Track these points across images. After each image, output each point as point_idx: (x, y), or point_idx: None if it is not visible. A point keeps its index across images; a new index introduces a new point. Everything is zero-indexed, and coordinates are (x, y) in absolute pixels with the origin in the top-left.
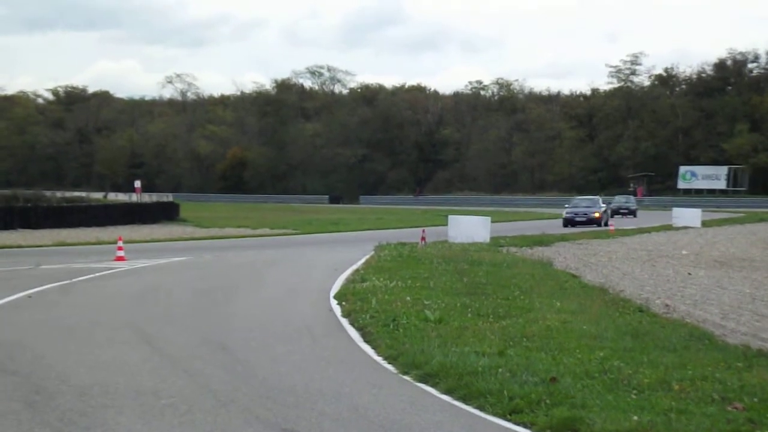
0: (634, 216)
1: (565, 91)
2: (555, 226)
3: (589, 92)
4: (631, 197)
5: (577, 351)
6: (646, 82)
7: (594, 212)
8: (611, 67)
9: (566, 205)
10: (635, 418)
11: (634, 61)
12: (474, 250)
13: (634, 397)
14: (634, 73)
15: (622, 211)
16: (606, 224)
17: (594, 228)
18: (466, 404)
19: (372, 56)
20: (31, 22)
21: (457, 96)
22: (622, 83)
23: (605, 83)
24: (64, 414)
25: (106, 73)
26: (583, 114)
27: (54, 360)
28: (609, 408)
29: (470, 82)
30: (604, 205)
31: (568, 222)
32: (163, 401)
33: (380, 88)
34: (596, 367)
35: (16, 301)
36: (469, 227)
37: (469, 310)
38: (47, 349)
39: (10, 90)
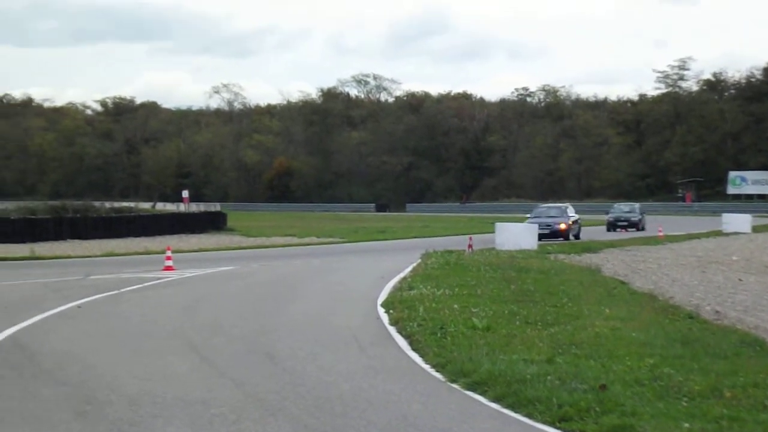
0: (638, 229)
1: (613, 97)
2: (591, 233)
3: (636, 98)
4: (636, 206)
5: (626, 358)
6: (694, 87)
7: (559, 223)
8: (659, 72)
9: (528, 216)
10: (686, 425)
11: (682, 66)
12: (521, 257)
13: (684, 404)
14: (682, 78)
15: (620, 223)
16: (576, 237)
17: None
18: (515, 412)
19: (418, 64)
20: (80, 35)
21: (503, 103)
22: (670, 88)
23: (653, 89)
24: (114, 424)
25: (154, 83)
26: (631, 120)
27: (104, 370)
28: (659, 416)
29: (516, 89)
30: (574, 214)
31: None
32: (211, 411)
33: (426, 96)
34: (646, 374)
35: (67, 311)
36: (517, 234)
37: (517, 317)
38: (97, 359)
39: (60, 102)
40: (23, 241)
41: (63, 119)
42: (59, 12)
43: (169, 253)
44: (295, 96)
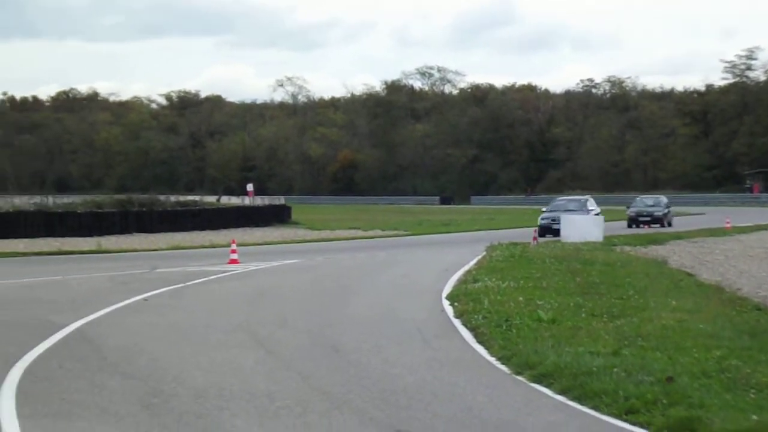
0: (662, 225)
1: (679, 88)
2: (611, 229)
3: (703, 88)
4: (662, 199)
5: (693, 350)
6: (762, 77)
7: None
8: (726, 62)
9: (543, 210)
10: (754, 417)
11: (750, 55)
12: (587, 249)
13: (752, 396)
14: (749, 68)
15: (642, 218)
16: None
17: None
18: (581, 404)
19: (482, 56)
20: (145, 29)
21: (568, 95)
22: (738, 78)
23: (720, 79)
24: (180, 416)
25: (218, 77)
26: (698, 110)
27: (170, 363)
28: (727, 407)
29: (581, 81)
30: (595, 207)
31: (545, 231)
32: (277, 403)
33: (490, 88)
34: (713, 366)
35: (133, 304)
36: (582, 226)
37: (583, 309)
38: (163, 351)
39: (125, 96)
40: (90, 235)
41: (128, 113)
42: (125, 7)
43: (234, 246)
44: (359, 89)
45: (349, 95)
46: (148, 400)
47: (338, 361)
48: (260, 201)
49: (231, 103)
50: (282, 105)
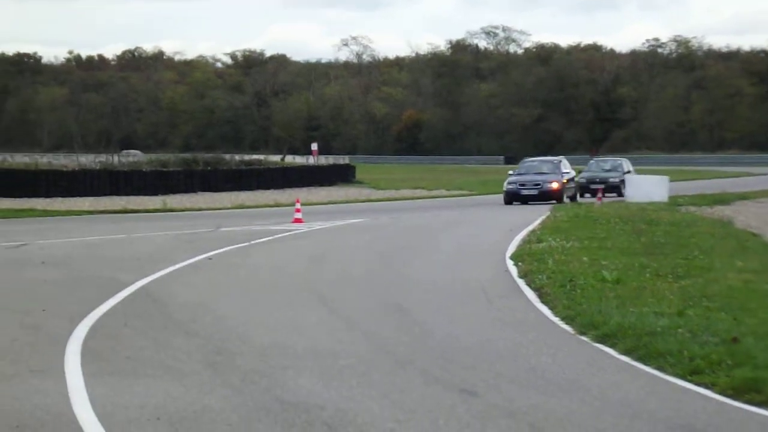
0: (618, 195)
1: (746, 48)
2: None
3: None
4: (622, 163)
5: (759, 311)
6: None
7: (551, 182)
8: None
9: (510, 173)
10: None
11: None
12: (652, 209)
13: None
14: None
15: (594, 186)
16: (573, 199)
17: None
18: (645, 365)
19: (547, 16)
20: None
21: (634, 54)
22: None
23: None
24: (245, 374)
25: (283, 36)
26: (765, 70)
27: (234, 321)
28: None
29: (647, 40)
30: (569, 170)
31: (512, 198)
32: (341, 362)
33: (555, 48)
34: None
35: (198, 262)
36: (647, 186)
37: (648, 270)
38: (227, 310)
39: (190, 55)
40: (155, 194)
41: (193, 72)
42: None
43: (298, 206)
44: (424, 48)
45: (413, 55)
46: (212, 358)
47: (402, 320)
48: (324, 160)
49: (296, 63)
50: (347, 64)
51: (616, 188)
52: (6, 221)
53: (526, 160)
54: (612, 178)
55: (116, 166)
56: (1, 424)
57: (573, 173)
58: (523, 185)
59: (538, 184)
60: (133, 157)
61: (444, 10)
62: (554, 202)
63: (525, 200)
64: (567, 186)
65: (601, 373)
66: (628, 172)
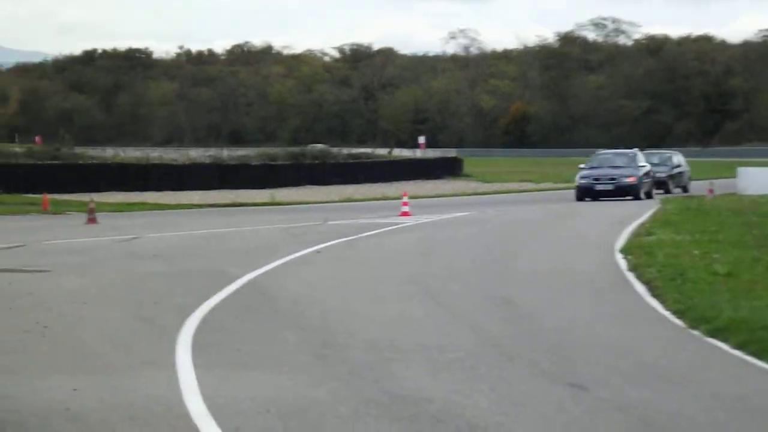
0: (638, 197)
1: None
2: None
3: None
4: (673, 156)
5: None
6: None
7: (628, 177)
8: None
9: (581, 167)
10: None
11: None
12: (765, 202)
13: None
14: None
15: (599, 186)
16: (649, 195)
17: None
18: (760, 359)
19: (658, 7)
20: None
21: (746, 45)
22: None
23: None
24: (353, 368)
25: (391, 30)
26: None
27: (342, 314)
28: None
29: (760, 30)
30: (645, 164)
31: (585, 193)
32: (449, 355)
33: (666, 39)
34: None
35: (306, 256)
36: (761, 179)
37: (761, 263)
38: (335, 303)
39: (298, 49)
40: (263, 187)
41: (301, 66)
42: None
43: (405, 199)
44: (531, 40)
45: (521, 47)
46: (320, 352)
47: (509, 313)
48: (432, 153)
49: (403, 56)
50: (454, 57)
51: (632, 190)
52: (118, 214)
53: (599, 152)
54: (625, 176)
55: (225, 159)
56: (114, 415)
57: (648, 167)
58: (597, 180)
59: (614, 179)
60: (319, 150)
61: (552, 2)
62: (630, 198)
63: (599, 196)
64: (643, 180)
65: (713, 368)
66: (678, 166)
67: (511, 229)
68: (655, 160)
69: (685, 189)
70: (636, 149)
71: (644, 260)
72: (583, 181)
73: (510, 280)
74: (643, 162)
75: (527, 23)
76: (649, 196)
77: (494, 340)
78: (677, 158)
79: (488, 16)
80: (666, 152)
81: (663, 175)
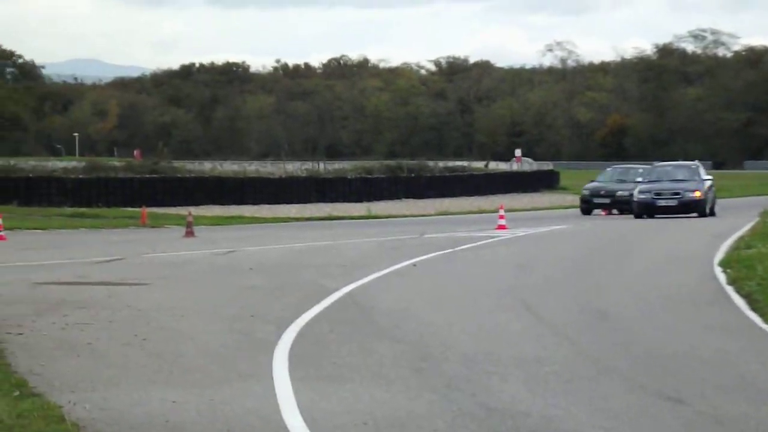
0: (701, 212)
1: None
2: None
3: None
4: (698, 169)
5: None
6: None
7: (693, 191)
8: None
9: (639, 180)
10: None
11: None
12: None
13: None
14: None
15: (598, 199)
16: (712, 212)
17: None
18: None
19: (759, 17)
20: None
21: None
22: None
23: None
24: (450, 380)
25: (487, 42)
26: None
27: (438, 327)
28: None
29: None
30: (708, 177)
31: (645, 209)
32: (545, 369)
33: (766, 50)
34: None
35: (402, 269)
36: None
37: None
38: (432, 316)
39: (394, 62)
40: (360, 201)
41: (397, 80)
42: None
43: (502, 212)
44: (629, 53)
45: (619, 59)
46: (417, 365)
47: (606, 326)
48: (528, 166)
49: (499, 69)
50: (551, 70)
51: (697, 206)
52: (216, 228)
53: (657, 164)
54: (621, 191)
55: (322, 173)
56: (213, 428)
57: (712, 180)
58: (659, 195)
59: (678, 194)
60: (529, 165)
61: (650, 14)
62: (695, 215)
63: (660, 212)
64: (708, 195)
65: None
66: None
67: (609, 243)
68: (626, 176)
69: (700, 208)
70: (697, 161)
71: (743, 273)
72: (643, 197)
73: (607, 293)
74: (705, 175)
75: (625, 35)
76: (713, 212)
77: (591, 353)
78: (700, 171)
79: (585, 28)
80: (695, 166)
81: (693, 190)
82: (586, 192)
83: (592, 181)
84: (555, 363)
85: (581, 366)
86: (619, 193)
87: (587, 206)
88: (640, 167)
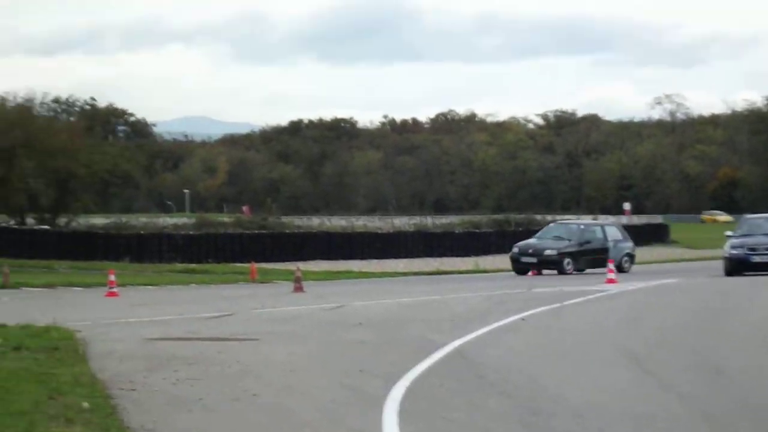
0: (562, 272)
1: None
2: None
3: None
4: (574, 228)
5: None
6: None
7: None
8: None
9: (728, 234)
10: None
11: None
12: None
13: None
14: None
15: (525, 259)
16: None
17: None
18: None
19: None
20: (524, 49)
21: None
22: None
23: None
24: None
25: (595, 96)
26: None
27: (548, 382)
28: None
29: None
30: None
31: (738, 266)
32: (658, 425)
33: None
34: None
35: (511, 324)
36: None
37: None
38: (541, 371)
39: (502, 116)
40: (467, 255)
41: (505, 134)
42: (508, 28)
43: (611, 266)
44: (739, 105)
45: (729, 111)
46: (527, 420)
47: (721, 382)
48: (637, 220)
49: (608, 122)
50: (660, 123)
51: (556, 264)
52: (324, 283)
53: (748, 217)
54: (551, 249)
55: (429, 227)
56: None
57: None
58: (753, 250)
59: None
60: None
61: (761, 66)
62: None
63: (755, 269)
64: None
65: None
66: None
67: (722, 296)
68: (559, 232)
69: (574, 270)
70: None
71: None
72: (735, 252)
73: (722, 348)
74: None
75: (735, 88)
76: None
77: (706, 410)
78: (585, 228)
79: (695, 81)
80: (582, 221)
81: (554, 253)
82: (515, 250)
83: (732, 235)
84: (667, 419)
85: (695, 424)
86: (547, 252)
87: (518, 266)
88: (583, 222)
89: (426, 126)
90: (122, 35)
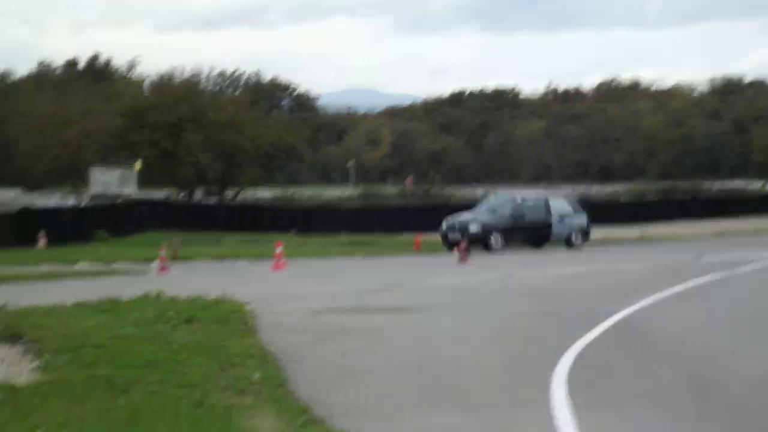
0: (488, 247)
1: None
2: None
3: None
4: (507, 200)
5: None
6: None
7: None
8: None
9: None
10: None
11: None
12: None
13: None
14: None
15: (452, 235)
16: None
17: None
18: None
19: None
20: (688, 14)
21: None
22: None
23: None
24: (731, 407)
25: (763, 60)
26: None
27: (718, 351)
28: None
29: None
30: None
31: None
32: None
33: None
34: None
35: (679, 292)
36: None
37: None
38: (710, 340)
39: (667, 83)
40: (633, 223)
41: (670, 101)
42: None
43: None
44: None
45: None
46: (697, 389)
47: None
48: None
49: None
50: None
51: (481, 239)
52: (490, 255)
53: None
54: (474, 223)
55: (594, 197)
56: None
57: None
58: None
59: None
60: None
61: None
62: None
63: None
64: None
65: None
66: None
67: None
68: (490, 206)
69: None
70: None
71: None
72: None
73: None
74: None
75: None
76: None
77: None
78: (558, 203)
79: None
80: (511, 194)
81: (478, 228)
82: (443, 226)
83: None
84: None
85: None
86: (472, 227)
87: (447, 242)
88: (515, 195)
89: (590, 95)
90: (286, 8)
